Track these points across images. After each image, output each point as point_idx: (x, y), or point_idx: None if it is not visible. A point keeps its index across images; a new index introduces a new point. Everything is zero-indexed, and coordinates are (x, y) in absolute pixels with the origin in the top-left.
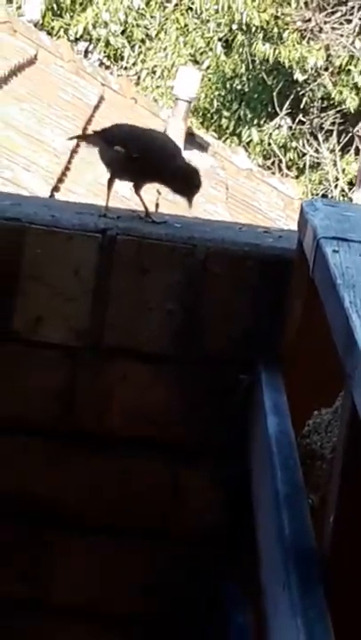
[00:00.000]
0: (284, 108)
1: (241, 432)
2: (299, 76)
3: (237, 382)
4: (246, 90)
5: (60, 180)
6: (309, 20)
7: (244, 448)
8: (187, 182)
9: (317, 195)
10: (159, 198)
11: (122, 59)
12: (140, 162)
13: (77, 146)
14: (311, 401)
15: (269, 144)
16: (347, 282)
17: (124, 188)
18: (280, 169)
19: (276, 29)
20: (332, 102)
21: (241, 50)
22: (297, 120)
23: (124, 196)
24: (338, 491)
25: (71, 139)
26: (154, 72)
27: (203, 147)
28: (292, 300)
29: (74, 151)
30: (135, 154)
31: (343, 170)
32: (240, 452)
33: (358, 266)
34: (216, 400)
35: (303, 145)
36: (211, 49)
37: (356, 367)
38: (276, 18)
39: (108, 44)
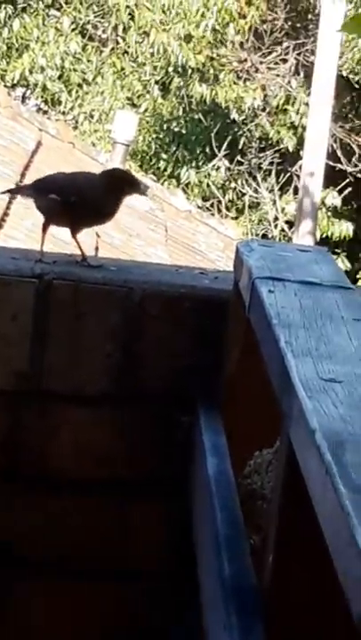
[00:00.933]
0: (223, 149)
1: (183, 472)
2: (236, 117)
3: (177, 423)
4: (184, 132)
5: None
6: (245, 60)
7: (186, 488)
8: (122, 187)
9: (258, 235)
10: (98, 241)
11: (59, 103)
12: (77, 206)
13: None
14: (252, 441)
15: (208, 185)
16: (282, 321)
17: (61, 231)
18: (219, 210)
19: (212, 70)
20: (270, 142)
21: (178, 92)
22: (235, 160)
23: (62, 239)
24: (276, 531)
25: (4, 193)
26: (92, 116)
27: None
28: (229, 341)
29: (12, 197)
30: (71, 199)
31: (283, 209)
32: (183, 491)
33: (294, 305)
34: (157, 440)
35: (242, 185)
36: (148, 92)
37: (292, 407)
38: (212, 59)
39: (45, 88)
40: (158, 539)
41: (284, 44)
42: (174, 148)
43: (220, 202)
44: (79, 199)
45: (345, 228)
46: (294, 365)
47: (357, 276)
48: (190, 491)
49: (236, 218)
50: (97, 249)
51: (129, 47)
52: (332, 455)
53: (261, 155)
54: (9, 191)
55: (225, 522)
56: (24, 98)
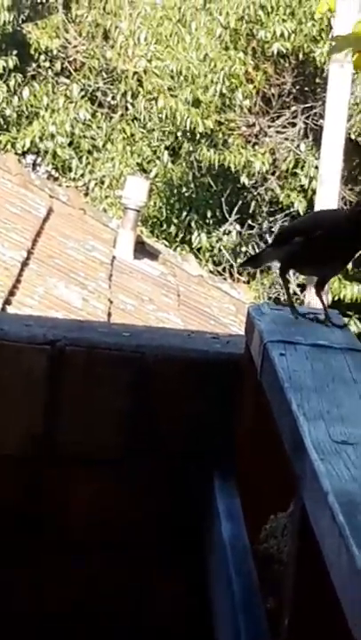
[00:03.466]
0: (233, 213)
1: (197, 535)
2: (245, 181)
3: (192, 488)
4: (194, 196)
5: (12, 293)
6: (254, 124)
7: (201, 552)
8: None
9: (270, 298)
10: (111, 307)
11: (70, 170)
12: (323, 240)
13: (28, 258)
14: (266, 504)
15: (220, 250)
16: (294, 385)
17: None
18: (231, 274)
19: (220, 135)
20: (280, 206)
21: (187, 157)
22: (246, 224)
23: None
24: (292, 594)
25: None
26: (102, 182)
27: (153, 255)
28: (242, 405)
29: (24, 264)
30: (317, 232)
31: (294, 273)
32: (198, 556)
33: (305, 368)
34: (171, 504)
35: (253, 249)
36: (158, 157)
37: (305, 469)
38: (220, 124)
39: (55, 155)
40: (174, 604)
41: (293, 108)
42: (185, 213)
43: (231, 266)
44: (325, 232)
45: (356, 291)
46: (306, 428)
47: None
48: (205, 555)
49: (248, 282)
50: (109, 314)
51: (138, 113)
52: (345, 516)
53: (272, 218)
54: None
55: (241, 587)
56: (35, 165)
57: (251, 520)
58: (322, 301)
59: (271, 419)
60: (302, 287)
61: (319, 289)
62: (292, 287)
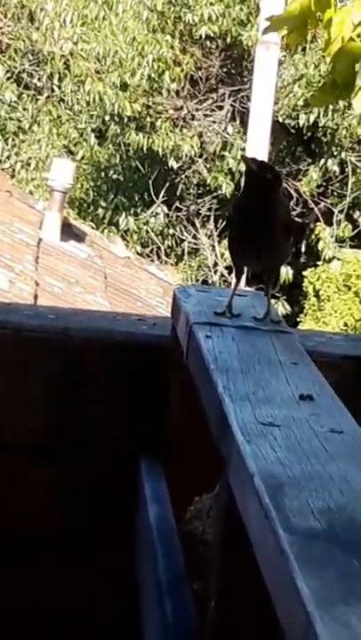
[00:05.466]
0: (161, 196)
1: (125, 520)
2: (173, 164)
3: (118, 471)
4: (122, 179)
5: None
6: (181, 108)
7: (128, 538)
8: None
9: (198, 280)
10: (37, 289)
11: None
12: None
13: None
14: (193, 487)
15: (147, 232)
16: (220, 367)
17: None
18: (159, 256)
19: (148, 118)
20: (207, 188)
21: (114, 140)
22: (174, 207)
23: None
24: (218, 576)
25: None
26: (28, 164)
27: (80, 237)
28: (169, 387)
29: None
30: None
31: (222, 254)
32: (126, 540)
33: (231, 350)
34: (98, 488)
35: (181, 231)
36: (85, 139)
37: (231, 451)
38: (148, 107)
39: None
40: (102, 587)
41: (220, 91)
42: (112, 196)
43: (159, 248)
44: (232, 208)
45: (285, 272)
46: (233, 410)
47: (298, 319)
48: (133, 539)
49: (176, 264)
50: (36, 297)
51: (65, 95)
52: (270, 499)
53: (200, 201)
54: None
55: (167, 569)
56: None
57: (177, 502)
58: (268, 300)
59: (198, 401)
60: (230, 269)
61: (265, 283)
62: (221, 269)
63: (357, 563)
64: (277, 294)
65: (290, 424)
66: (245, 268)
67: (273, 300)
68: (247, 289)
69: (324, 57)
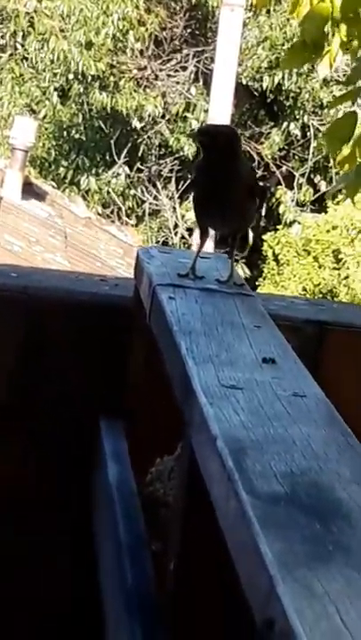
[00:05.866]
0: (122, 156)
1: (86, 480)
2: (136, 124)
3: (81, 431)
4: (84, 139)
5: None
6: (145, 68)
7: (89, 497)
8: None
9: (158, 242)
10: None
11: None
12: None
13: None
14: (154, 448)
15: (108, 192)
16: (183, 329)
17: None
18: (119, 217)
19: (112, 78)
20: (169, 149)
21: (78, 99)
22: (135, 168)
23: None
24: (179, 538)
25: None
26: None
27: (40, 196)
28: (131, 348)
29: None
30: None
31: (183, 216)
32: (86, 501)
33: (195, 312)
34: (62, 448)
35: (142, 192)
36: (47, 98)
37: (194, 414)
38: (112, 66)
39: None
40: (61, 550)
41: (184, 52)
42: (74, 155)
43: (120, 209)
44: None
45: None
46: (196, 372)
47: (257, 283)
48: (92, 498)
49: (137, 225)
50: None
51: (28, 53)
52: (233, 462)
53: (161, 162)
54: None
55: (127, 530)
56: None
57: (138, 463)
58: (232, 263)
59: (160, 362)
60: (190, 231)
61: (230, 246)
62: (181, 231)
63: (320, 526)
64: (236, 257)
65: (253, 387)
66: (210, 230)
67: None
68: (210, 251)
69: (288, 19)
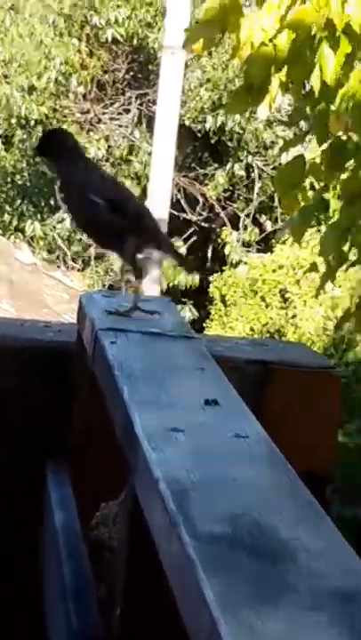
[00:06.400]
0: None
1: (31, 527)
2: None
3: (26, 478)
4: (28, 184)
5: None
6: (88, 111)
7: (35, 543)
8: None
9: (104, 286)
10: None
11: None
12: None
13: None
14: (99, 493)
15: (53, 238)
16: (124, 372)
17: None
18: (65, 262)
19: (55, 122)
20: None
21: (21, 145)
22: None
23: None
24: (123, 582)
25: None
26: None
27: None
28: (75, 393)
29: None
30: None
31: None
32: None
33: (136, 356)
34: (4, 494)
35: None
36: None
37: (137, 457)
38: (55, 110)
39: None
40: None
41: (127, 94)
42: (18, 201)
43: (65, 254)
44: None
45: (191, 278)
46: (138, 417)
47: (204, 325)
48: (41, 542)
49: (83, 269)
50: None
51: None
52: (175, 504)
53: None
54: None
55: (72, 574)
56: None
57: (83, 508)
58: (135, 292)
59: (104, 407)
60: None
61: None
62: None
63: (263, 566)
64: (184, 299)
65: (195, 429)
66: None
67: (179, 306)
68: (156, 294)
69: (230, 60)
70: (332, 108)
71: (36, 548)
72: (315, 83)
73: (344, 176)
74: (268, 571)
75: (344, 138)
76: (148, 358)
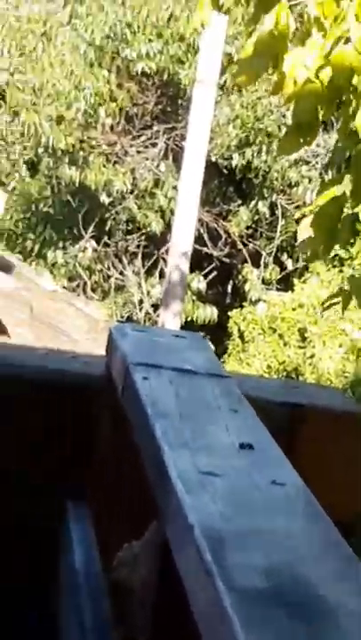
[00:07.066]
0: (90, 231)
1: (53, 563)
2: (105, 199)
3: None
4: (52, 212)
5: None
6: (115, 143)
7: (56, 580)
8: None
9: (122, 317)
10: None
11: None
12: None
13: None
14: (121, 532)
15: (75, 266)
16: (158, 411)
17: None
18: (85, 291)
19: (81, 153)
20: (137, 225)
21: (47, 172)
22: (102, 242)
23: None
24: (149, 628)
25: None
26: None
27: (7, 268)
28: (100, 429)
29: None
30: None
31: (148, 292)
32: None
33: (169, 394)
34: (26, 531)
35: (108, 267)
36: (16, 171)
37: (169, 501)
38: (82, 141)
39: None
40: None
41: (155, 128)
42: (42, 229)
43: (85, 283)
44: None
45: (209, 312)
46: (171, 458)
47: (221, 360)
48: (59, 582)
49: (102, 299)
50: None
51: None
52: (212, 554)
53: (128, 237)
54: None
55: (91, 614)
56: None
57: (104, 548)
58: None
59: (132, 444)
60: (155, 307)
61: None
62: (147, 307)
63: (303, 626)
64: (202, 333)
65: (230, 474)
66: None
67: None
68: (177, 328)
69: (260, 98)
70: None
71: (55, 588)
72: (358, 122)
73: None
74: (307, 630)
75: None
76: (182, 397)
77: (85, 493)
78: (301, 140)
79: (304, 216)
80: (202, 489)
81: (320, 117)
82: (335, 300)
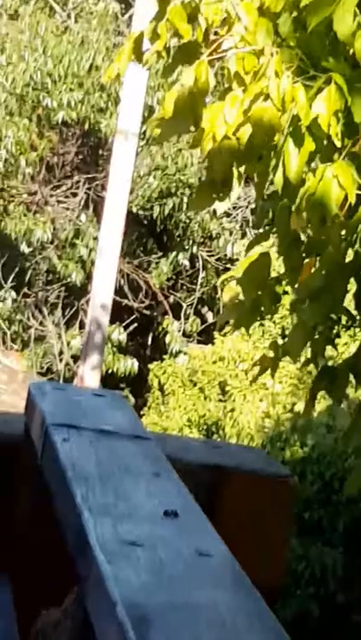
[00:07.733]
0: (9, 281)
1: None
2: (25, 249)
3: None
4: None
5: None
6: (35, 192)
7: None
8: None
9: (42, 367)
10: None
11: None
12: None
13: None
14: (40, 599)
15: None
16: (78, 474)
17: None
18: (4, 342)
19: (1, 202)
20: (57, 275)
21: None
22: (22, 293)
23: None
24: None
25: None
26: None
27: None
28: (19, 491)
29: None
30: None
31: (68, 343)
32: None
33: (90, 456)
34: None
35: (28, 318)
36: None
37: (90, 571)
38: (2, 190)
39: None
40: None
41: (75, 178)
42: None
43: (5, 334)
44: None
45: (130, 364)
46: (92, 525)
47: (142, 412)
48: None
49: (22, 350)
50: None
51: None
52: (135, 632)
53: (49, 288)
54: None
55: None
56: None
57: (23, 615)
58: None
59: (51, 509)
60: (75, 358)
61: None
62: (66, 357)
63: None
64: (122, 385)
65: (154, 543)
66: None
67: (128, 402)
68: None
69: (180, 150)
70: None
71: None
72: (277, 180)
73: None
74: None
75: (303, 236)
76: (102, 459)
77: (4, 561)
78: (214, 196)
79: (227, 280)
80: (124, 560)
81: (236, 174)
82: (261, 366)
